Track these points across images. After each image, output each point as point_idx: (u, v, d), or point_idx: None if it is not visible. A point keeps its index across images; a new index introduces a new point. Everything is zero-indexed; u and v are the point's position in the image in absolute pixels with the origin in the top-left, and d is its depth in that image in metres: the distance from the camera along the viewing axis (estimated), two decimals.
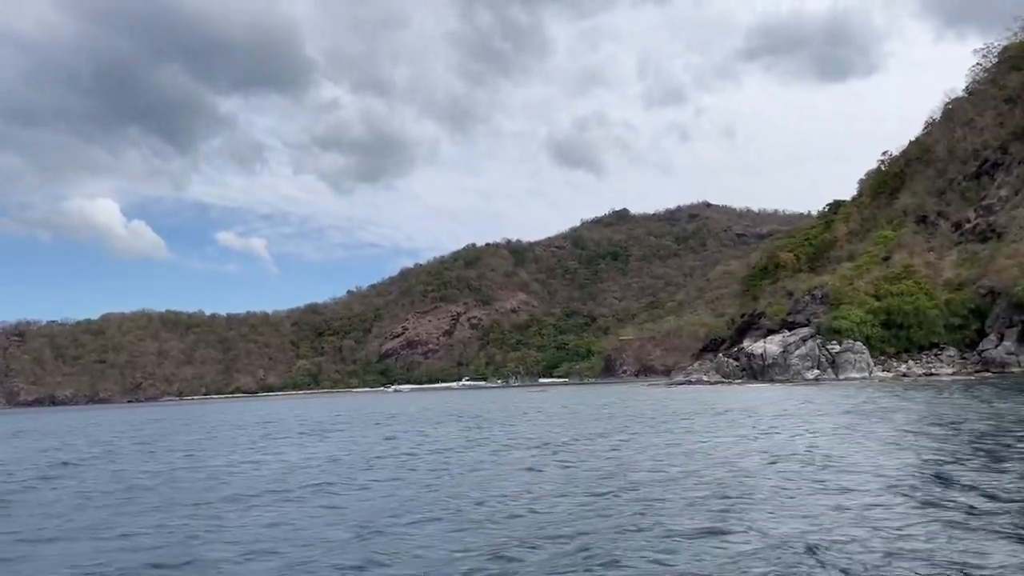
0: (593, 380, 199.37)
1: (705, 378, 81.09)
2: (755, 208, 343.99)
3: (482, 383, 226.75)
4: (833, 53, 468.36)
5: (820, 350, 69.73)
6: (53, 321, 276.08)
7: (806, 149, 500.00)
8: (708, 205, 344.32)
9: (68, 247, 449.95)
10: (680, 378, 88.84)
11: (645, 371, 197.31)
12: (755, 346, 76.04)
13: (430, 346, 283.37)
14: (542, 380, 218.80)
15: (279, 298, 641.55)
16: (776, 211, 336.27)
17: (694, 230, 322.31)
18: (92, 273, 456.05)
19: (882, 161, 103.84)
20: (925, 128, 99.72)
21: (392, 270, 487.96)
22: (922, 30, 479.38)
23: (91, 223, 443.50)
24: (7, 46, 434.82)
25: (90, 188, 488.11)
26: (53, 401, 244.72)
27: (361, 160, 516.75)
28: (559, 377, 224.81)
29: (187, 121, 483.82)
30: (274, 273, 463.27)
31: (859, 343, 67.02)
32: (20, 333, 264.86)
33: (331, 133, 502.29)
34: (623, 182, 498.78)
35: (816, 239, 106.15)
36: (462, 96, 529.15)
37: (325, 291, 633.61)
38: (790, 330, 75.46)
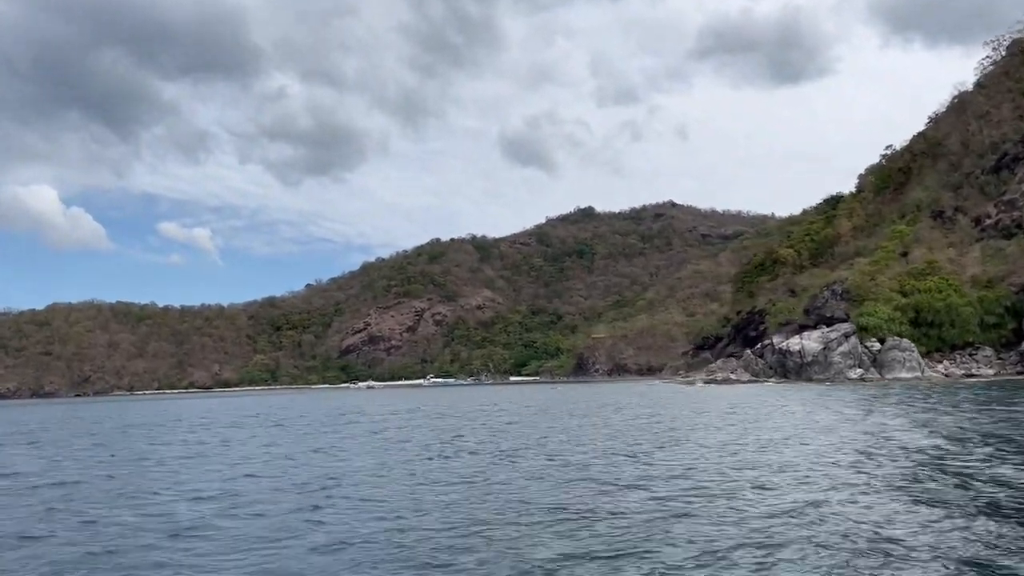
0: (564, 379, 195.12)
1: (733, 376, 76.30)
2: (719, 209, 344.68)
3: (450, 380, 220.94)
4: (785, 56, 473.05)
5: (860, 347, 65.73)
6: None
7: (760, 152, 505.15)
8: (673, 205, 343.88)
9: (2, 235, 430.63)
10: (702, 377, 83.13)
11: (618, 370, 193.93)
12: (790, 342, 71.35)
13: (393, 342, 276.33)
14: (512, 379, 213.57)
15: (230, 292, 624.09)
16: (740, 212, 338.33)
17: (659, 229, 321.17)
18: (28, 263, 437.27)
19: (884, 155, 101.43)
20: (929, 122, 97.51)
21: (345, 266, 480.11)
22: (869, 35, 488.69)
23: (28, 210, 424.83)
24: None
25: (25, 175, 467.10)
26: None
27: (310, 152, 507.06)
28: (528, 375, 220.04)
29: (129, 108, 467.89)
30: (220, 266, 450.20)
31: (905, 340, 63.48)
32: None
33: (279, 123, 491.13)
34: (579, 182, 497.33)
35: (818, 235, 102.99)
36: (414, 89, 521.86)
37: (278, 286, 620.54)
38: (814, 327, 71.23)
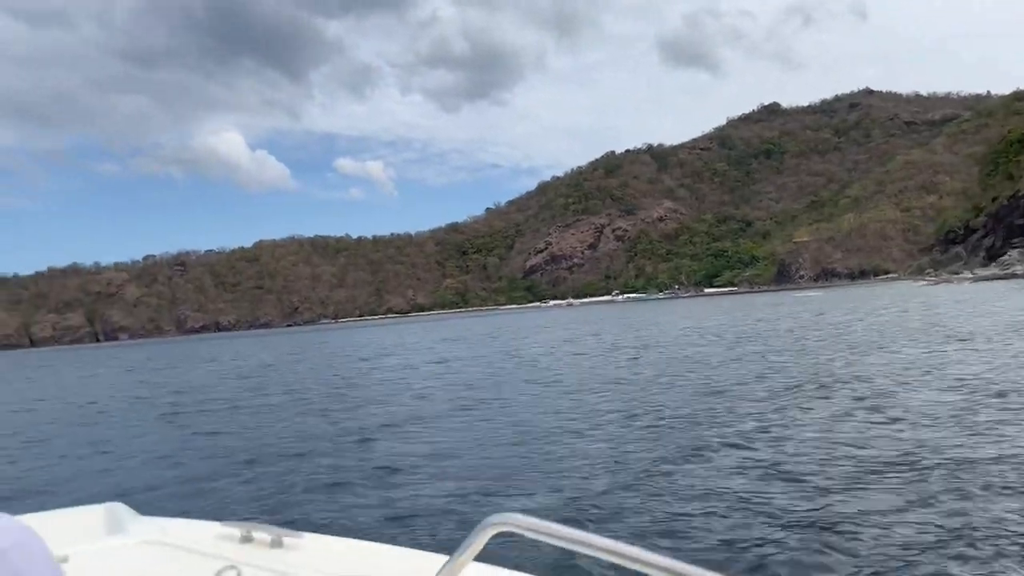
0: (765, 288, 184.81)
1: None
2: (923, 92, 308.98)
3: (642, 295, 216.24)
4: None
5: None
6: (211, 250, 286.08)
7: (954, 27, 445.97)
8: (870, 92, 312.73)
9: (201, 181, 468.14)
10: (970, 276, 70.55)
11: (825, 275, 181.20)
12: None
13: (575, 260, 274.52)
14: (707, 291, 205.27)
15: (409, 222, 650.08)
16: (949, 94, 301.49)
17: (856, 120, 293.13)
18: (226, 205, 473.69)
19: None
20: None
21: (514, 191, 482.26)
22: None
23: (220, 157, 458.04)
24: None
25: (213, 124, 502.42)
26: (218, 327, 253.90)
27: (468, 76, 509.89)
28: (721, 287, 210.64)
29: (297, 49, 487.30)
30: (397, 197, 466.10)
31: None
32: (182, 263, 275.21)
33: (435, 50, 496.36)
34: (747, 81, 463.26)
35: None
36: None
37: (455, 213, 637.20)
38: None
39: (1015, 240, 70.59)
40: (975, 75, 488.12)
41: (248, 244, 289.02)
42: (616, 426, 11.60)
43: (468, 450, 10.58)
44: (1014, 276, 63.89)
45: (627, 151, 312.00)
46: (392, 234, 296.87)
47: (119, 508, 2.14)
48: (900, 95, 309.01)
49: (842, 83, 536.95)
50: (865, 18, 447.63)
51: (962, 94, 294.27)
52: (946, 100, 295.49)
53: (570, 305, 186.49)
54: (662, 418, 11.90)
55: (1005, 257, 66.18)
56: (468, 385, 19.83)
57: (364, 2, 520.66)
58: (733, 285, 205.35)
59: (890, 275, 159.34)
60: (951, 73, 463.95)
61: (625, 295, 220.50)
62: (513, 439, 11.15)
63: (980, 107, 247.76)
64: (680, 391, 15.20)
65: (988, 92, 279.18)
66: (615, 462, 8.93)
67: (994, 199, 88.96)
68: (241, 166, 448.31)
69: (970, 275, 66.62)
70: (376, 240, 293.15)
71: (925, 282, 76.92)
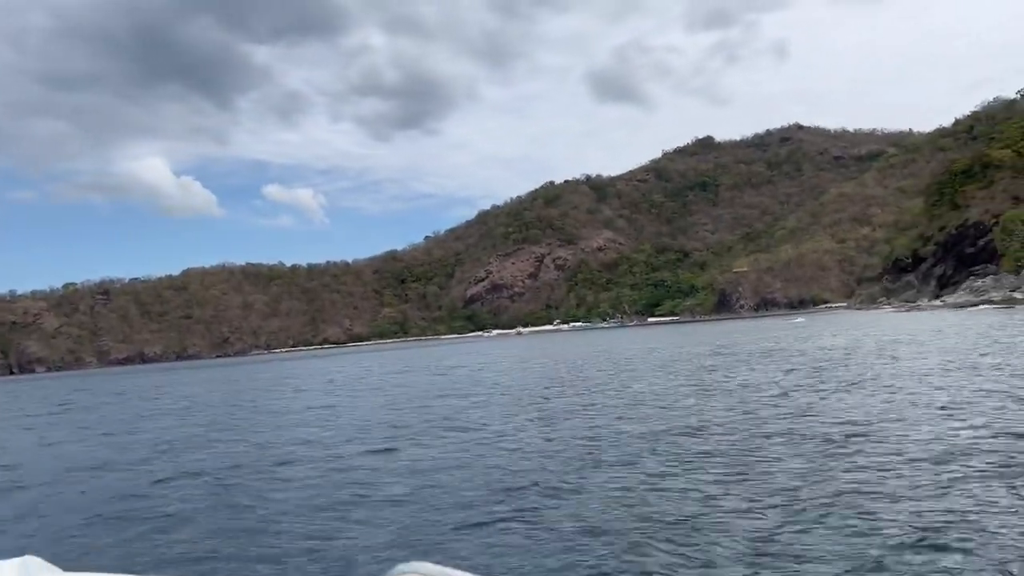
0: (706, 317, 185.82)
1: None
2: (851, 128, 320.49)
3: (588, 324, 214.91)
4: None
5: None
6: (136, 278, 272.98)
7: (871, 67, 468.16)
8: (800, 127, 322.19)
9: (121, 208, 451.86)
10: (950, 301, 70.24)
11: (765, 305, 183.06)
12: None
13: (516, 289, 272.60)
14: (651, 320, 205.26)
15: (343, 250, 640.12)
16: (874, 130, 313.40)
17: (787, 155, 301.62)
18: (148, 232, 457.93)
19: None
20: None
21: (451, 220, 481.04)
22: None
23: (141, 183, 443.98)
24: (36, 10, 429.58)
25: (136, 149, 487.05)
26: (143, 359, 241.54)
27: (399, 105, 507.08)
28: (663, 315, 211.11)
29: (224, 75, 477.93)
30: (328, 225, 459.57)
31: None
32: (105, 291, 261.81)
33: (366, 78, 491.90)
34: (675, 116, 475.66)
35: None
36: (497, 30, 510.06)
37: (389, 242, 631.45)
38: None
39: (976, 268, 71.04)
40: (895, 113, 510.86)
41: (176, 272, 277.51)
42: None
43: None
44: (990, 302, 63.77)
45: (566, 181, 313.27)
46: (328, 262, 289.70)
47: (33, 562, 1.75)
48: (828, 130, 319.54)
49: (772, 118, 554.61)
50: (786, 57, 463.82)
51: (886, 131, 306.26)
52: (871, 136, 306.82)
53: (519, 334, 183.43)
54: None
55: (979, 283, 66.09)
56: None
57: (293, 29, 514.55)
58: (675, 314, 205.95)
59: (833, 304, 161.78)
60: (872, 111, 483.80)
61: (571, 324, 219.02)
62: None
63: (904, 143, 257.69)
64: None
65: (910, 129, 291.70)
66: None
67: (941, 228, 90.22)
68: (165, 192, 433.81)
69: (939, 303, 66.47)
70: (311, 268, 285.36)
71: (891, 309, 77.16)
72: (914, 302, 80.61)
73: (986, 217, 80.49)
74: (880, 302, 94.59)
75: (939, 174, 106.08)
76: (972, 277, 71.48)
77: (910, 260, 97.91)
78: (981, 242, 78.66)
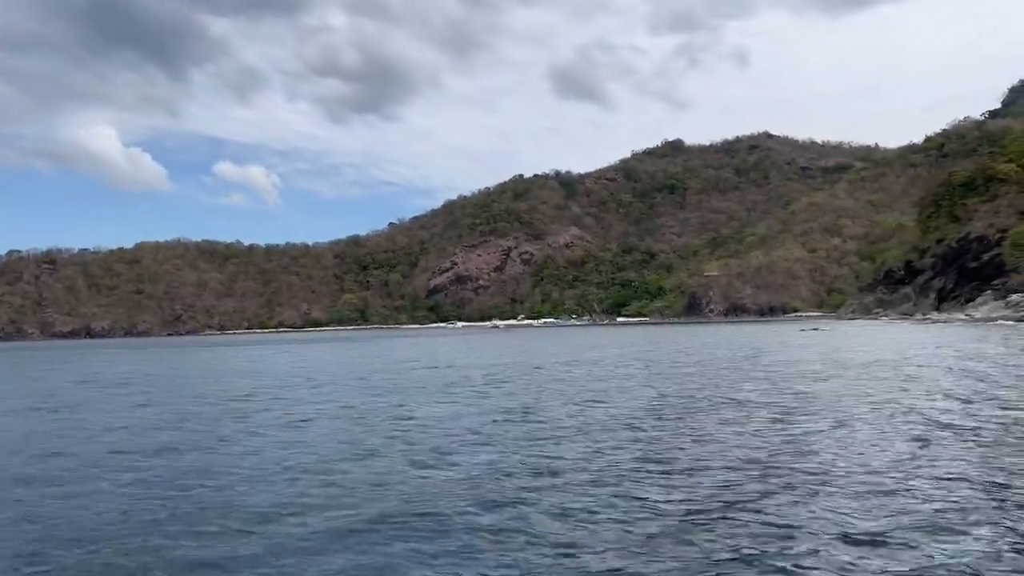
0: (675, 320, 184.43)
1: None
2: (819, 140, 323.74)
3: (559, 321, 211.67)
4: None
5: None
6: (85, 249, 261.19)
7: (830, 82, 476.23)
8: (769, 136, 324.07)
9: (67, 175, 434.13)
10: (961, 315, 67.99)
11: (735, 310, 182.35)
12: None
13: (481, 282, 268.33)
14: (619, 320, 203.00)
15: (299, 233, 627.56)
16: (841, 143, 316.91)
17: (755, 162, 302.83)
18: (94, 203, 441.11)
19: None
20: None
21: (409, 210, 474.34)
22: None
23: (88, 152, 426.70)
24: None
25: (83, 116, 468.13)
26: (89, 333, 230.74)
27: (359, 88, 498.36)
28: (630, 316, 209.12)
29: (179, 45, 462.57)
30: (281, 205, 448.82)
31: None
32: (51, 260, 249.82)
33: (326, 59, 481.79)
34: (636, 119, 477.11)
35: None
36: (461, 20, 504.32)
37: (346, 227, 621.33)
38: None
39: (996, 283, 69.53)
40: (859, 128, 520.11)
41: (128, 245, 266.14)
42: None
43: None
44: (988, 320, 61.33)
45: (535, 175, 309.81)
46: (288, 243, 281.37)
47: None
48: (797, 140, 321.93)
49: (734, 126, 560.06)
50: (747, 66, 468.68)
51: (853, 144, 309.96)
52: (839, 149, 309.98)
53: (496, 327, 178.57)
54: None
55: (1014, 298, 64.34)
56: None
57: (253, 3, 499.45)
58: (642, 315, 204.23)
59: (803, 313, 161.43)
60: (835, 124, 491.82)
61: (542, 320, 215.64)
62: None
63: (872, 157, 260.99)
64: None
65: (876, 144, 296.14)
66: None
67: (939, 240, 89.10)
68: (112, 163, 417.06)
69: (964, 316, 64.34)
70: (269, 249, 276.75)
71: (893, 320, 75.48)
72: (911, 314, 79.41)
73: (990, 231, 79.33)
74: (876, 313, 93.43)
75: (938, 185, 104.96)
76: (990, 291, 69.95)
77: (903, 271, 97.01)
78: (985, 256, 77.45)
